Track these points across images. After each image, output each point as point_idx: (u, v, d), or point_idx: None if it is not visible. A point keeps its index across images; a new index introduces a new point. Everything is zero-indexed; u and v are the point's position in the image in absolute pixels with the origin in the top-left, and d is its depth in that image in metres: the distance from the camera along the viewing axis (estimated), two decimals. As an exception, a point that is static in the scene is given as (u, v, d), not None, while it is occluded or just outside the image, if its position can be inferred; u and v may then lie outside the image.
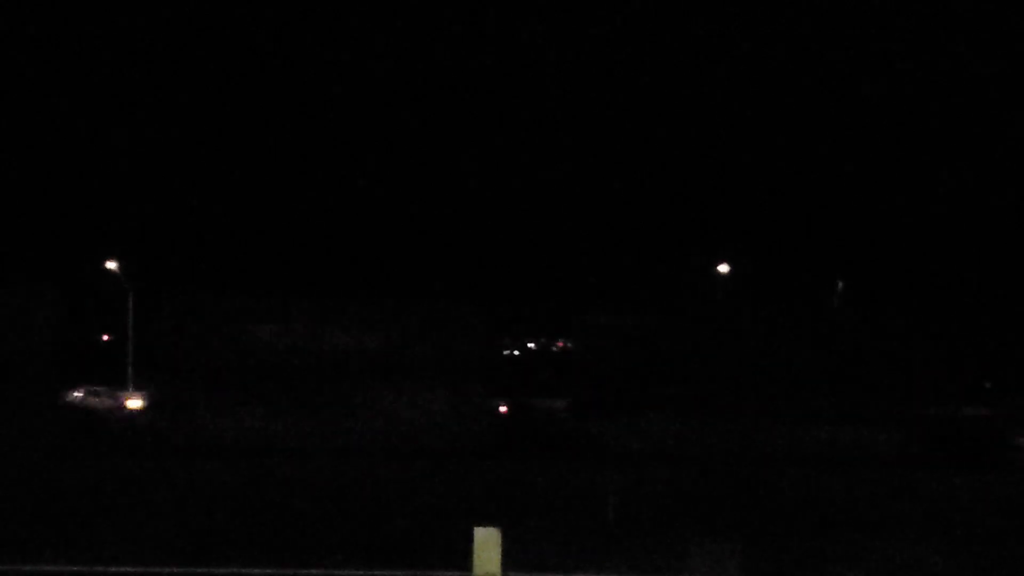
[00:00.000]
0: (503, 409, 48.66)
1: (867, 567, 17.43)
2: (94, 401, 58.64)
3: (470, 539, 8.44)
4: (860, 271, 57.10)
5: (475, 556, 8.30)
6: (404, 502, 25.98)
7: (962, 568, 18.07)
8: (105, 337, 77.52)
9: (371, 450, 43.05)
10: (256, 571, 8.65)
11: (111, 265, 66.95)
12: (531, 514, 23.56)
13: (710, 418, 46.35)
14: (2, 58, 58.71)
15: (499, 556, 8.34)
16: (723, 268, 64.55)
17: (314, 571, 8.44)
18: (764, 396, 45.77)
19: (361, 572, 10.01)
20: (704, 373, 48.12)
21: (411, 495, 27.44)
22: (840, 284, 57.95)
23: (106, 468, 34.20)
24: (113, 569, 15.68)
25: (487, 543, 8.30)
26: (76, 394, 60.77)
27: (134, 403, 53.79)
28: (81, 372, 68.19)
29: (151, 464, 35.00)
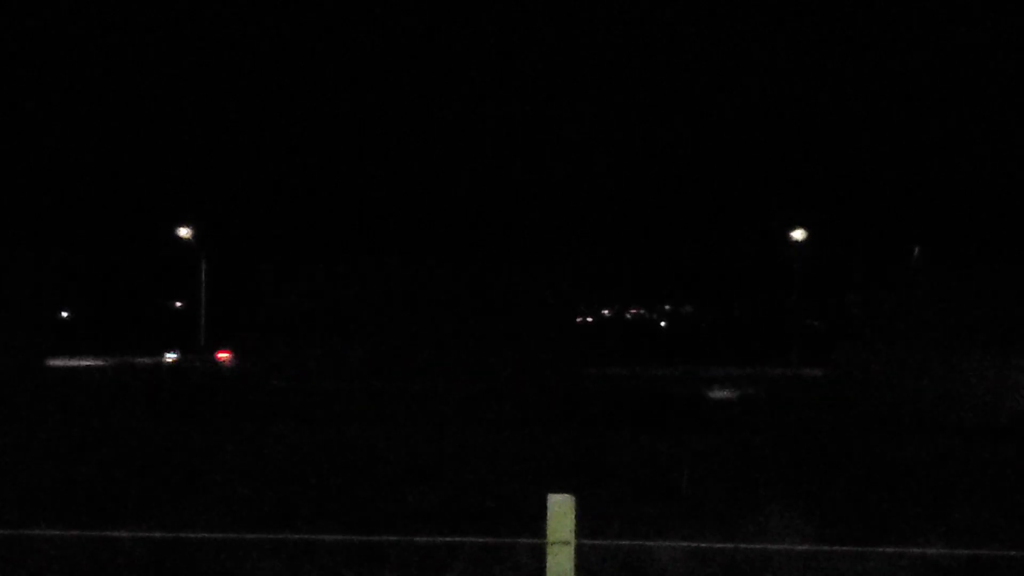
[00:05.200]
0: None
1: (946, 532, 17.17)
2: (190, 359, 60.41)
3: (544, 505, 8.25)
4: (938, 237, 56.51)
5: (549, 523, 8.11)
6: (478, 468, 25.93)
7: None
8: (178, 304, 77.99)
9: (451, 414, 43.11)
10: (326, 537, 8.57)
11: (183, 232, 67.27)
12: (606, 481, 23.44)
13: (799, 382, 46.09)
14: (75, 34, 59.09)
15: (573, 523, 8.15)
16: (798, 234, 64.07)
17: (387, 537, 8.35)
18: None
19: (434, 539, 9.92)
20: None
21: (486, 460, 27.38)
22: (917, 250, 57.45)
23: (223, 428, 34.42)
24: (184, 535, 15.68)
25: (561, 509, 8.11)
26: (170, 356, 62.47)
27: (224, 356, 54.97)
28: (155, 337, 68.83)
29: (230, 429, 35.19)
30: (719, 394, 46.22)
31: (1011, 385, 43.21)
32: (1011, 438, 35.96)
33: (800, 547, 13.82)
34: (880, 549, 13.35)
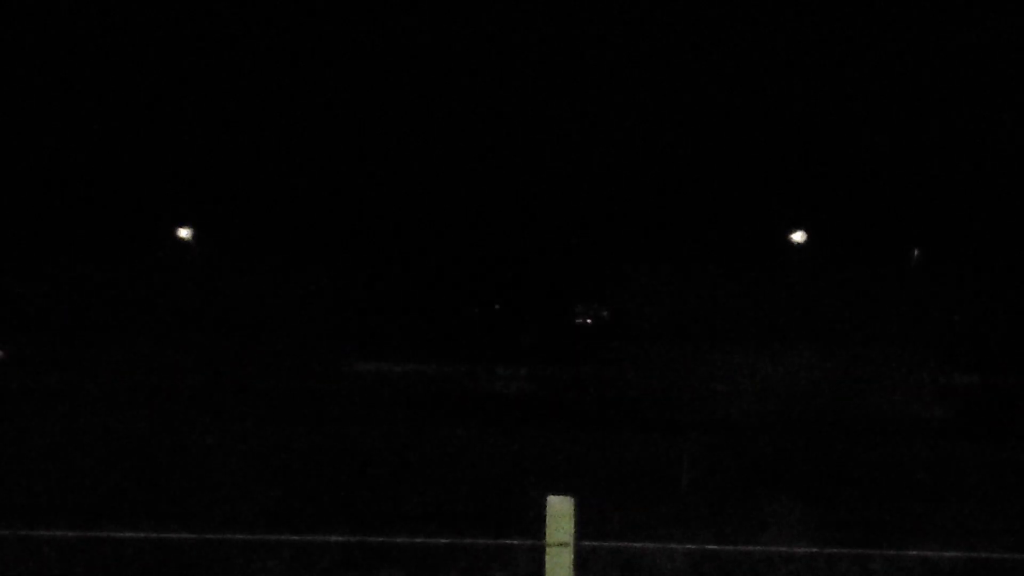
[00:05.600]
0: None
1: (947, 535, 17.16)
2: None
3: (543, 507, 8.23)
4: (937, 239, 56.42)
5: (548, 525, 8.09)
6: (476, 469, 25.89)
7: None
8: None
9: (445, 415, 43.19)
10: (320, 538, 8.55)
11: (183, 233, 67.06)
12: (605, 482, 23.40)
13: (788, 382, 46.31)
14: (69, 35, 59.03)
15: (572, 525, 8.13)
16: (797, 236, 64.06)
17: (384, 539, 8.33)
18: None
19: (432, 540, 9.90)
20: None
21: (482, 462, 27.35)
22: (916, 252, 57.43)
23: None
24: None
25: (560, 512, 8.09)
26: None
27: None
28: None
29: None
30: (501, 389, 47.67)
31: (771, 380, 44.25)
32: (772, 433, 36.69)
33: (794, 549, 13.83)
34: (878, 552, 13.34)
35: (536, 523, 8.36)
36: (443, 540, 10.18)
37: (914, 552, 13.60)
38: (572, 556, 8.05)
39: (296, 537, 10.82)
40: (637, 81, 59.47)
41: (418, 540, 13.27)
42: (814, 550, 9.79)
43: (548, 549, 8.03)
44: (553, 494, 8.20)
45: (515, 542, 8.91)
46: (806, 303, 46.32)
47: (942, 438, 35.98)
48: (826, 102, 57.92)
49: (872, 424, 41.01)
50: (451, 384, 48.66)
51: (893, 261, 49.08)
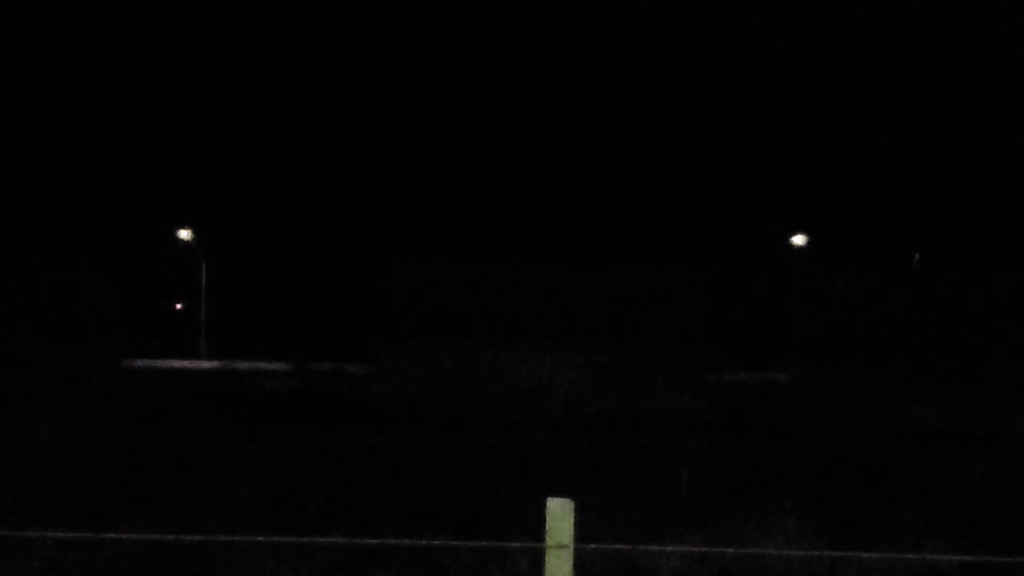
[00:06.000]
0: None
1: (945, 537, 17.16)
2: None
3: (543, 510, 8.24)
4: (938, 242, 56.47)
5: (548, 527, 8.10)
6: (475, 472, 25.91)
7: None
8: (178, 306, 77.93)
9: (438, 417, 43.32)
10: (324, 540, 8.56)
11: (184, 234, 67.11)
12: (605, 485, 23.42)
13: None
14: (74, 35, 59.06)
15: (572, 527, 8.14)
16: (798, 240, 64.08)
17: (388, 541, 8.34)
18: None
19: (432, 541, 9.92)
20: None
21: (483, 465, 27.37)
22: (916, 256, 57.44)
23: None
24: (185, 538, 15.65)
25: (560, 514, 8.10)
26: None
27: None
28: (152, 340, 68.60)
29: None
30: (273, 385, 48.24)
31: (557, 379, 44.68)
32: (558, 429, 37.12)
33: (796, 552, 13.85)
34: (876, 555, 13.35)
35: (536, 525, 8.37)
36: (443, 542, 10.22)
37: (911, 555, 13.65)
38: (572, 558, 8.06)
39: (294, 539, 10.82)
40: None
41: (417, 541, 13.27)
42: (812, 553, 9.80)
43: (548, 551, 8.04)
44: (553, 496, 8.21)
45: (515, 544, 8.92)
46: (579, 304, 47.06)
47: (708, 434, 37.13)
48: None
49: (642, 420, 41.77)
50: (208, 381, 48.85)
51: (657, 261, 49.66)
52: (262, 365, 50.72)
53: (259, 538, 13.38)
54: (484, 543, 11.07)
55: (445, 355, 45.70)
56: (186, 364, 52.40)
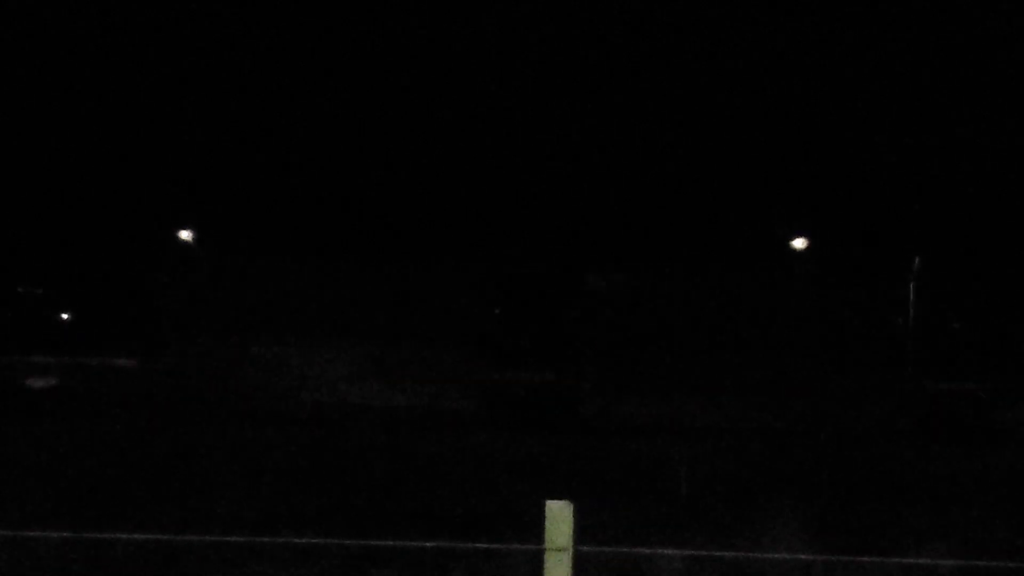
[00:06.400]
0: None
1: (943, 541, 17.15)
2: None
3: (542, 512, 8.23)
4: (939, 248, 56.31)
5: (547, 530, 8.09)
6: (473, 473, 25.88)
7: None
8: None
9: (446, 419, 43.43)
10: (317, 541, 8.53)
11: (184, 234, 66.87)
12: (604, 488, 23.39)
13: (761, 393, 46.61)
14: (70, 35, 58.97)
15: (571, 530, 8.13)
16: (799, 243, 64.04)
17: (382, 542, 8.31)
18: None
19: (431, 544, 9.89)
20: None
21: (480, 466, 27.34)
22: (917, 261, 57.37)
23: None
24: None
25: (559, 516, 8.09)
26: None
27: None
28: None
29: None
30: (39, 383, 47.25)
31: (312, 375, 45.01)
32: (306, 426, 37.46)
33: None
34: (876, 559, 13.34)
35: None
36: (442, 544, 10.18)
37: (924, 560, 13.61)
38: (571, 560, 8.05)
39: (292, 540, 10.78)
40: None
41: (414, 543, 13.26)
42: (810, 557, 9.80)
43: (547, 553, 8.03)
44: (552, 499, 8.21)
45: (515, 546, 8.92)
46: (353, 302, 47.43)
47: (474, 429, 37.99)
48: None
49: (413, 416, 42.04)
50: None
51: (436, 260, 50.08)
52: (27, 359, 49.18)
53: (254, 539, 13.38)
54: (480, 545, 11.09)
55: (215, 351, 45.82)
56: None
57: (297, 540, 14.81)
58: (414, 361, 45.51)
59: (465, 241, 53.50)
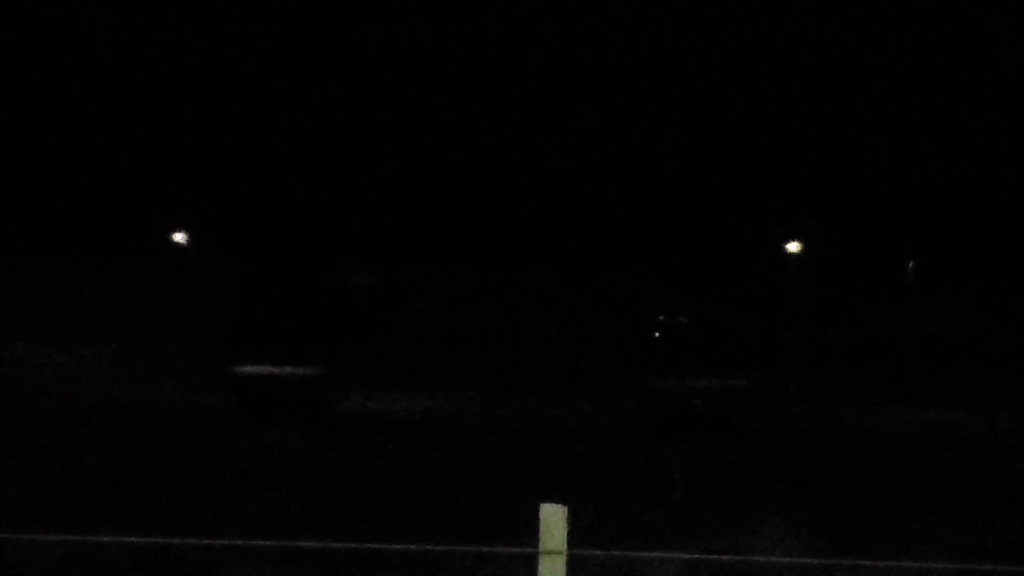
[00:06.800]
0: None
1: (943, 547, 17.17)
2: None
3: (536, 516, 8.24)
4: (934, 251, 56.33)
5: (541, 533, 8.10)
6: (468, 477, 25.88)
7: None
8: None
9: (427, 422, 43.25)
10: (312, 544, 8.56)
11: (179, 237, 66.85)
12: (598, 490, 23.39)
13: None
14: (74, 35, 58.92)
15: (565, 533, 8.14)
16: (792, 247, 64.11)
17: (376, 546, 8.32)
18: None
19: (426, 547, 9.90)
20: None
21: (476, 470, 27.33)
22: (912, 264, 57.42)
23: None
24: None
25: (553, 520, 8.10)
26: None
27: None
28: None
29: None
30: None
31: (75, 370, 45.17)
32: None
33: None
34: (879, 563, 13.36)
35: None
36: (437, 547, 10.19)
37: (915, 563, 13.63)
38: (565, 564, 8.06)
39: (289, 543, 10.81)
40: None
41: (409, 547, 13.27)
42: (805, 560, 9.81)
43: (541, 557, 8.04)
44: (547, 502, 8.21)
45: (509, 549, 8.93)
46: (105, 298, 47.69)
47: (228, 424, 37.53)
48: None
49: (161, 410, 41.88)
50: None
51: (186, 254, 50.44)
52: None
53: (252, 541, 13.39)
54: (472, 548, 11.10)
55: None
56: None
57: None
58: (166, 356, 45.74)
59: (225, 235, 53.74)
